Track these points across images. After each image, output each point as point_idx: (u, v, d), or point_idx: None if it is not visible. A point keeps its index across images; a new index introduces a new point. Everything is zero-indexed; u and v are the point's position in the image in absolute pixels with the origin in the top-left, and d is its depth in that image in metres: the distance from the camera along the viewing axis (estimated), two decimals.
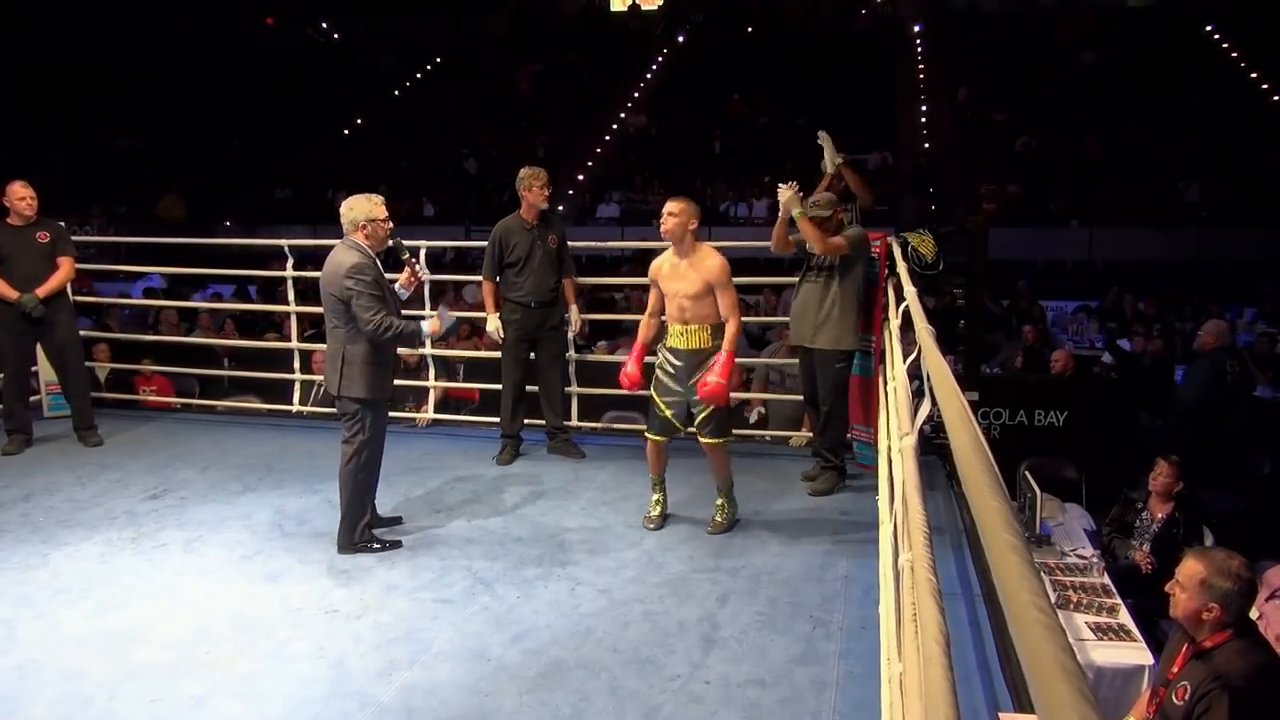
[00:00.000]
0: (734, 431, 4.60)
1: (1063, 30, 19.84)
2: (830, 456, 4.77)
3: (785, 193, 4.50)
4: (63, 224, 5.88)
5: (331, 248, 4.05)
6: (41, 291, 5.41)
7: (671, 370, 4.23)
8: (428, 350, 6.03)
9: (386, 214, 4.05)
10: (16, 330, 5.45)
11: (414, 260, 4.31)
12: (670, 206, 4.18)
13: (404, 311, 4.22)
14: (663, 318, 4.41)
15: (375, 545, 4.04)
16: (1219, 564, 2.79)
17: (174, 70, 22.51)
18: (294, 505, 4.58)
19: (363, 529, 4.04)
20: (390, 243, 4.13)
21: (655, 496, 4.41)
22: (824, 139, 5.10)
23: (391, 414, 5.99)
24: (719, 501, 4.33)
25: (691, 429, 4.26)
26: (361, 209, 3.99)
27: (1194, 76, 17.45)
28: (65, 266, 5.55)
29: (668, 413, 4.25)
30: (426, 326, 4.12)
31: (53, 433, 5.80)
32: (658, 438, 4.31)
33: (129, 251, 13.28)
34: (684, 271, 4.17)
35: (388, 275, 4.16)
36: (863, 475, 4.86)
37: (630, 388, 4.32)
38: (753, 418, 6.33)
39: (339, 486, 4.04)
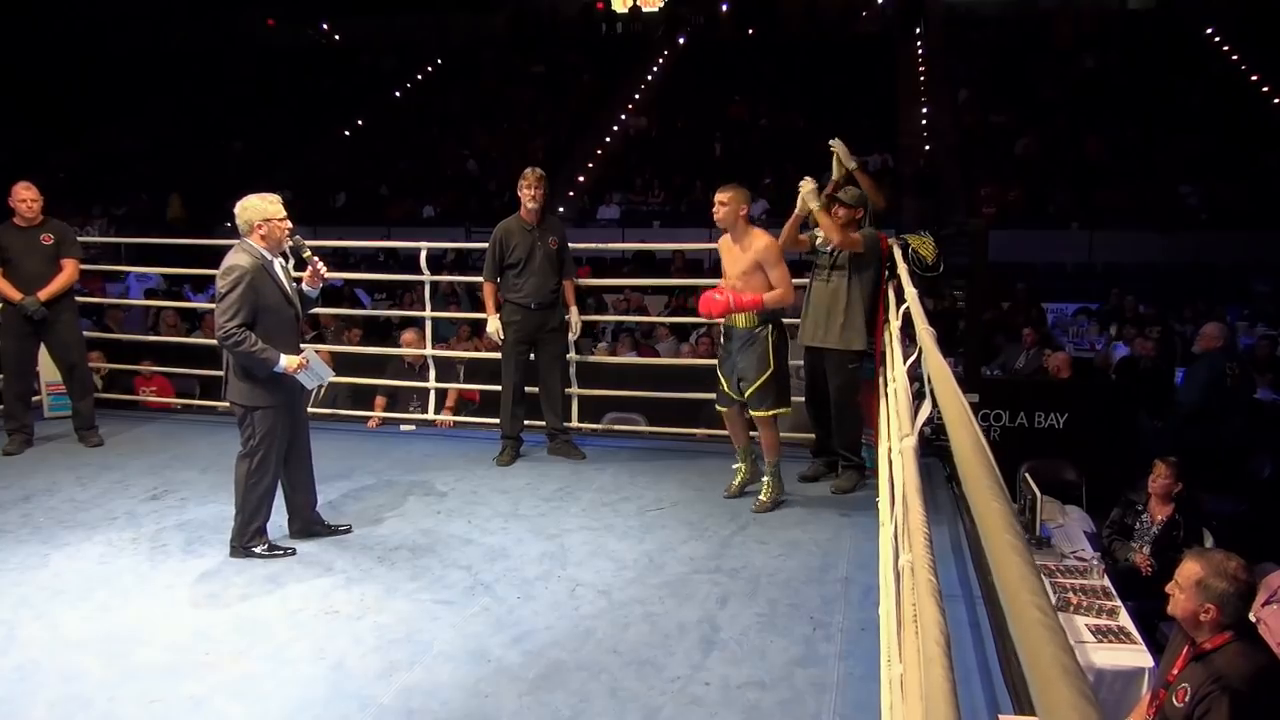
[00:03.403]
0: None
1: (1062, 32, 19.86)
2: (850, 455, 4.78)
3: (806, 186, 4.51)
4: (74, 227, 5.88)
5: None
6: (43, 294, 5.40)
7: (726, 346, 4.51)
8: (428, 351, 6.04)
9: (284, 213, 3.94)
10: (19, 331, 5.45)
11: (315, 259, 4.15)
12: (720, 195, 4.38)
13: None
14: None
15: (260, 550, 3.96)
16: (1217, 565, 2.79)
17: (175, 71, 22.54)
18: None
19: (252, 532, 3.96)
20: (289, 243, 4.01)
21: (735, 465, 4.65)
22: (837, 145, 5.04)
23: (402, 415, 6.07)
24: (765, 479, 4.46)
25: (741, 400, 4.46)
26: (255, 209, 3.87)
27: (1194, 79, 17.46)
28: (69, 268, 5.55)
29: (725, 384, 4.51)
30: (284, 361, 3.84)
31: (53, 433, 5.81)
32: (721, 409, 4.60)
33: (129, 252, 13.29)
34: (736, 254, 4.42)
35: (296, 274, 4.11)
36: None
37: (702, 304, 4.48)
38: None
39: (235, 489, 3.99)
